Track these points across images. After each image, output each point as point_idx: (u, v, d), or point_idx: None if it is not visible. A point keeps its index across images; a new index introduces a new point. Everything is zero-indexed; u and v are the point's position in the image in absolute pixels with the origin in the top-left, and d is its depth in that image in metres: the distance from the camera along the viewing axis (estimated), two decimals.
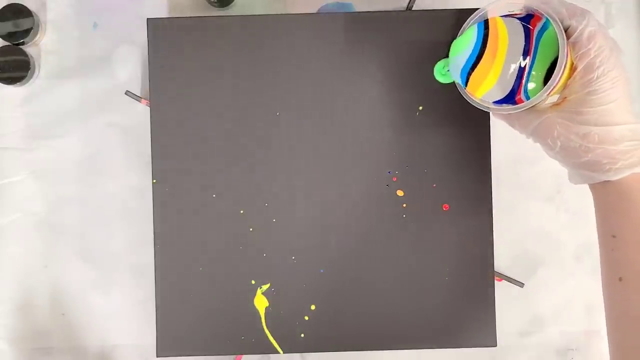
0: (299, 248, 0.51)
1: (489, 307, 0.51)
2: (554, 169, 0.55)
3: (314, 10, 0.55)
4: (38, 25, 0.53)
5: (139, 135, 0.54)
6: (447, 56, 0.45)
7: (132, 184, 0.54)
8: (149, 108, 0.52)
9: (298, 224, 0.51)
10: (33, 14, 0.52)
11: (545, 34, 0.41)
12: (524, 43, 0.42)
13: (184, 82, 0.51)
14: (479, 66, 0.43)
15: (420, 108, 0.51)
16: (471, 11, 0.52)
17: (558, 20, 0.40)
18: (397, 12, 0.52)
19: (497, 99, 0.43)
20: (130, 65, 0.55)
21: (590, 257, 0.55)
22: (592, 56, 0.39)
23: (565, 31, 0.40)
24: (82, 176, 0.54)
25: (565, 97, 0.41)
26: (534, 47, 0.41)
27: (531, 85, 0.41)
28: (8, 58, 0.52)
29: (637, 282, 0.39)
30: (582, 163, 0.41)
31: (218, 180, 0.51)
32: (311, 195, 0.51)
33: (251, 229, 0.51)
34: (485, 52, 0.43)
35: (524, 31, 0.42)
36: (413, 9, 0.52)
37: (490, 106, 0.43)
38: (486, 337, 0.51)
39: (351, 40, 0.51)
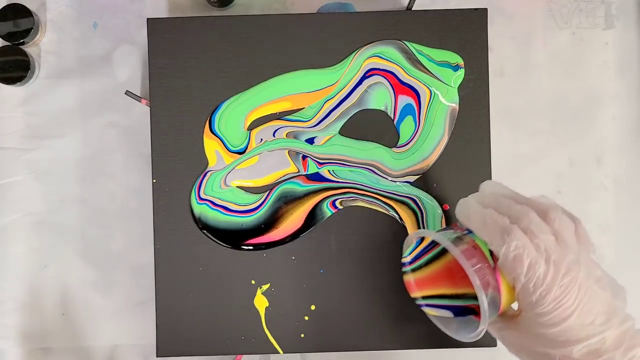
0: (299, 248, 0.51)
1: None
2: (554, 169, 0.55)
3: (314, 10, 0.55)
4: (38, 25, 0.53)
5: (139, 135, 0.54)
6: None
7: (132, 184, 0.54)
8: (149, 108, 0.52)
9: None
10: (33, 14, 0.52)
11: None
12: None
13: (184, 82, 0.51)
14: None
15: None
16: (471, 11, 0.52)
17: (458, 252, 0.37)
18: (397, 12, 0.52)
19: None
20: (130, 65, 0.55)
21: None
22: (523, 281, 0.35)
23: (492, 254, 0.38)
24: (82, 176, 0.54)
25: (521, 311, 0.38)
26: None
27: None
28: (8, 58, 0.52)
29: None
30: None
31: None
32: None
33: None
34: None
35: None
36: (413, 9, 0.52)
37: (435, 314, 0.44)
38: (486, 337, 0.51)
39: (351, 40, 0.51)
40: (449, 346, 0.51)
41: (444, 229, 0.40)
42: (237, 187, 0.51)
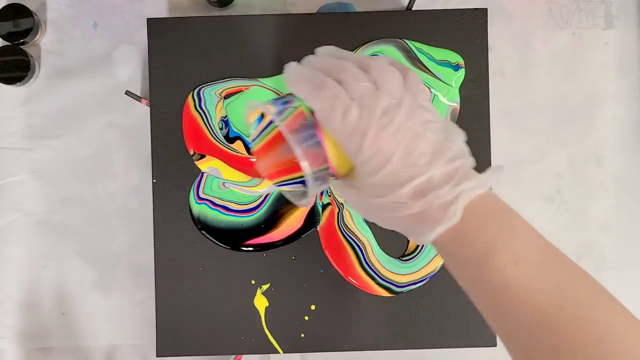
0: (299, 248, 0.51)
1: None
2: (554, 169, 0.55)
3: (314, 10, 0.55)
4: (38, 25, 0.53)
5: (139, 135, 0.54)
6: None
7: (132, 184, 0.54)
8: (149, 108, 0.52)
9: None
10: (33, 14, 0.52)
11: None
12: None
13: (184, 82, 0.51)
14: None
15: None
16: (471, 11, 0.52)
17: (270, 107, 0.36)
18: (397, 12, 0.52)
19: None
20: (130, 65, 0.55)
21: (590, 257, 0.55)
22: (341, 129, 0.34)
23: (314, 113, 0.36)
24: (82, 176, 0.54)
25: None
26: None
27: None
28: (8, 58, 0.52)
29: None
30: (400, 231, 0.36)
31: None
32: None
33: None
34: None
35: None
36: (413, 9, 0.52)
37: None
38: (486, 337, 0.51)
39: (351, 40, 0.51)
40: (449, 346, 0.51)
41: (278, 98, 0.38)
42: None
